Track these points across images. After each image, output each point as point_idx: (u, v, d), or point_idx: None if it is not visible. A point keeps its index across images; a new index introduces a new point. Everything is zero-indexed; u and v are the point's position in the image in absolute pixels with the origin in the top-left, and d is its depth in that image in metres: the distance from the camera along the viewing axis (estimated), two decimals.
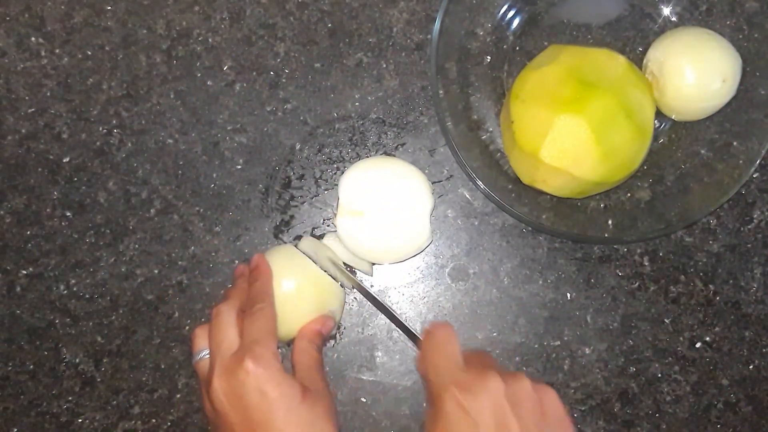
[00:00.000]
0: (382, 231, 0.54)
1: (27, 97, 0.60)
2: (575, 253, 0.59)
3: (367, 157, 0.59)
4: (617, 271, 0.59)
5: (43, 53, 0.60)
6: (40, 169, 0.59)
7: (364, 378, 0.58)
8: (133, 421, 0.58)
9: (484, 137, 0.58)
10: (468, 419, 0.41)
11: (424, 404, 0.55)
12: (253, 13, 0.59)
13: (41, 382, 0.59)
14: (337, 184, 0.58)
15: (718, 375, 0.58)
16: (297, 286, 0.52)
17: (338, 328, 0.59)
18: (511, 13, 0.58)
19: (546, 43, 0.58)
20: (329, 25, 0.59)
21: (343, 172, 0.58)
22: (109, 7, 0.60)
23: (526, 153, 0.51)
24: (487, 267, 0.59)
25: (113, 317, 0.59)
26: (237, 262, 0.58)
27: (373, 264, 0.58)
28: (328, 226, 0.59)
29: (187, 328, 0.59)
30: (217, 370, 0.46)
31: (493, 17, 0.58)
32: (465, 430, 0.41)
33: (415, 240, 0.55)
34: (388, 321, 0.59)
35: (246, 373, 0.45)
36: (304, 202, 0.59)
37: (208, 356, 0.49)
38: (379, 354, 0.59)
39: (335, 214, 0.55)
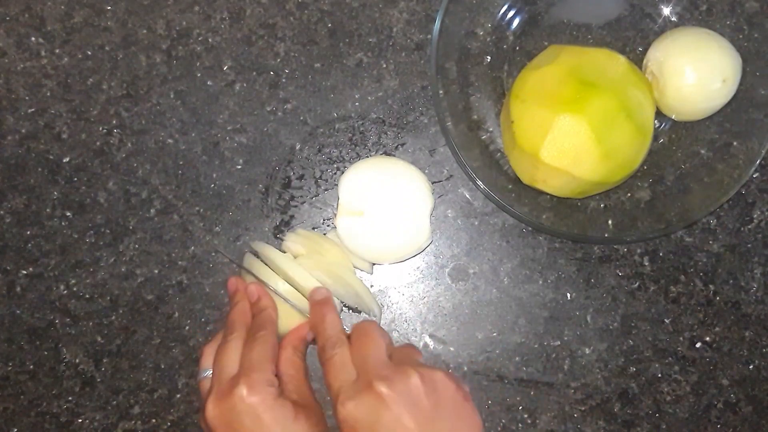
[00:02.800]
0: (382, 231, 0.54)
1: (27, 97, 0.60)
2: (575, 253, 0.59)
3: (367, 157, 0.59)
4: (617, 271, 0.59)
5: (43, 53, 0.60)
6: (40, 169, 0.59)
7: None
8: (133, 421, 0.58)
9: (484, 137, 0.58)
10: (383, 418, 0.43)
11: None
12: (253, 13, 0.59)
13: (41, 382, 0.59)
14: (337, 184, 0.58)
15: (718, 375, 0.58)
16: (288, 287, 0.53)
17: None
18: (511, 13, 0.58)
19: (546, 43, 0.58)
20: (329, 25, 0.59)
21: (343, 172, 0.58)
22: (109, 7, 0.60)
23: (526, 153, 0.51)
24: (487, 267, 0.59)
25: (113, 317, 0.59)
26: (235, 267, 0.58)
27: (373, 264, 0.58)
28: (328, 226, 0.59)
29: (187, 328, 0.59)
30: (212, 393, 0.48)
31: (493, 17, 0.58)
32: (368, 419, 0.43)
33: (415, 240, 0.55)
34: (388, 320, 0.59)
35: (239, 399, 0.46)
36: (304, 202, 0.59)
37: (210, 375, 0.50)
38: None
39: (335, 214, 0.55)
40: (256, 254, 0.55)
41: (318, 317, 0.51)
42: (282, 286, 0.53)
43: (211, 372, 0.50)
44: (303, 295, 0.53)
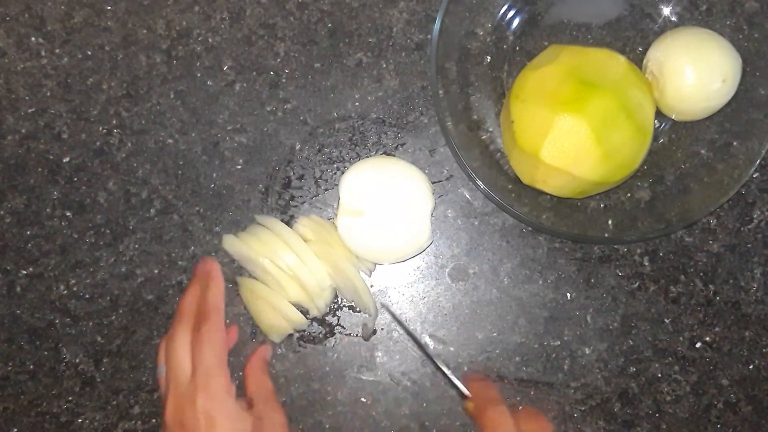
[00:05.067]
0: (383, 231, 0.54)
1: (27, 97, 0.60)
2: (575, 253, 0.59)
3: (368, 157, 0.59)
4: (617, 271, 0.59)
5: (43, 53, 0.60)
6: (40, 169, 0.59)
7: (364, 378, 0.58)
8: (133, 421, 0.58)
9: (484, 137, 0.58)
10: None
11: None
12: (253, 13, 0.59)
13: (41, 382, 0.59)
14: (337, 184, 0.58)
15: (718, 375, 0.58)
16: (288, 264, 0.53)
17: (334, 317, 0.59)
18: (511, 13, 0.58)
19: (546, 43, 0.58)
20: (329, 25, 0.59)
21: (343, 172, 0.58)
22: (109, 7, 0.60)
23: (526, 153, 0.51)
24: (487, 267, 0.59)
25: (113, 317, 0.59)
26: (235, 264, 0.58)
27: (375, 264, 0.58)
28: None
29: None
30: (170, 400, 0.48)
31: (493, 17, 0.58)
32: None
33: (415, 240, 0.55)
34: (388, 321, 0.59)
35: (198, 413, 0.47)
36: (304, 202, 0.59)
37: (164, 370, 0.51)
38: (379, 354, 0.58)
39: (335, 214, 0.55)
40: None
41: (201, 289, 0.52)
42: (272, 265, 0.54)
43: (163, 369, 0.50)
44: (306, 275, 0.54)
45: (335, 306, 0.59)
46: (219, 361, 0.49)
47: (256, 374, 0.54)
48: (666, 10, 0.58)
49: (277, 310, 0.54)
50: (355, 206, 0.54)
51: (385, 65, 0.59)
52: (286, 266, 0.53)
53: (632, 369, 0.58)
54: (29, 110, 0.60)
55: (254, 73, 0.59)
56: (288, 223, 0.59)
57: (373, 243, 0.55)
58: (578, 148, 0.50)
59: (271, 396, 0.53)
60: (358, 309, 0.58)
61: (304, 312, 0.56)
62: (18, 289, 0.59)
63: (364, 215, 0.54)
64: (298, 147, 0.59)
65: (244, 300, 0.56)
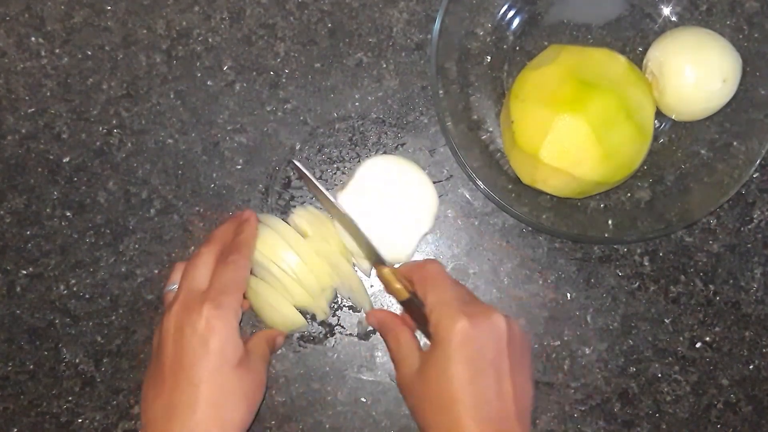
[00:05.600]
0: (373, 225, 0.54)
1: (27, 97, 0.60)
2: (575, 253, 0.59)
3: (368, 157, 0.59)
4: (617, 271, 0.59)
5: (43, 53, 0.60)
6: (40, 169, 0.59)
7: (364, 378, 0.58)
8: (133, 421, 0.58)
9: (484, 137, 0.58)
10: (473, 347, 0.45)
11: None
12: (253, 13, 0.59)
13: (41, 382, 0.59)
14: (337, 184, 0.58)
15: (718, 375, 0.58)
16: (298, 262, 0.53)
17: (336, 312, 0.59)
18: (511, 13, 0.58)
19: (546, 43, 0.58)
20: (329, 25, 0.59)
21: (343, 172, 0.58)
22: (109, 7, 0.60)
23: (526, 153, 0.51)
24: (487, 267, 0.59)
25: (113, 317, 0.59)
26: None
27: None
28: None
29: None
30: (177, 303, 0.48)
31: (493, 17, 0.58)
32: (468, 356, 0.45)
33: (394, 251, 0.55)
34: None
35: (200, 316, 0.46)
36: (304, 202, 0.59)
37: (175, 289, 0.50)
38: (379, 354, 0.58)
39: (342, 189, 0.55)
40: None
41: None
42: (276, 268, 0.54)
43: (176, 285, 0.50)
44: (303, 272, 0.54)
45: (335, 306, 0.59)
46: (235, 286, 0.49)
47: (261, 339, 0.53)
48: (666, 10, 0.58)
49: (279, 312, 0.54)
50: (362, 191, 0.54)
51: (385, 65, 0.59)
52: (289, 268, 0.53)
53: (632, 369, 0.58)
54: (29, 110, 0.60)
55: (254, 73, 0.59)
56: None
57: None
58: (578, 148, 0.50)
59: (264, 359, 0.52)
60: (355, 307, 0.58)
61: (308, 315, 0.56)
62: (18, 289, 0.59)
63: (365, 203, 0.54)
64: (298, 147, 0.59)
65: (248, 297, 0.56)
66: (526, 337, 0.49)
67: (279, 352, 0.58)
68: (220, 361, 0.46)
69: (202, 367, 0.46)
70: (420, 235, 0.55)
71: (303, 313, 0.55)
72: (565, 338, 0.58)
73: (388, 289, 0.53)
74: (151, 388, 0.48)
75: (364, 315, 0.56)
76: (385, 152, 0.59)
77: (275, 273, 0.53)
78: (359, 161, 0.58)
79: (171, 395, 0.46)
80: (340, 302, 0.59)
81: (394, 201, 0.55)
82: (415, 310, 0.51)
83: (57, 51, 0.60)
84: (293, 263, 0.53)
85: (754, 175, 0.58)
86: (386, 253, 0.55)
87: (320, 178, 0.59)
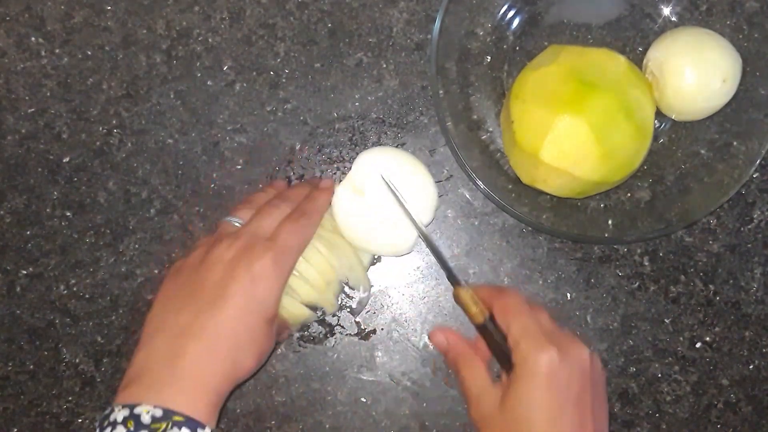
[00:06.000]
0: (372, 219, 0.54)
1: (27, 97, 0.60)
2: (575, 253, 0.59)
3: (363, 151, 0.58)
4: (617, 271, 0.59)
5: (43, 53, 0.60)
6: (40, 169, 0.59)
7: (364, 378, 0.58)
8: None
9: (484, 137, 0.58)
10: (560, 380, 0.45)
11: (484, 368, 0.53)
12: (253, 13, 0.59)
13: (41, 382, 0.59)
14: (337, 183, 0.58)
15: (718, 375, 0.58)
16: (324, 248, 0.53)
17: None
18: (511, 13, 0.58)
19: (546, 43, 0.58)
20: (329, 25, 0.59)
21: (343, 172, 0.58)
22: (109, 7, 0.60)
23: (526, 153, 0.51)
24: (487, 267, 0.59)
25: (113, 317, 0.59)
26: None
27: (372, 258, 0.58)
28: None
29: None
30: (243, 238, 0.48)
31: (493, 17, 0.58)
32: (555, 389, 0.45)
33: (396, 243, 0.55)
34: (387, 320, 0.59)
35: (260, 258, 0.47)
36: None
37: (237, 224, 0.51)
38: (379, 354, 0.59)
39: (338, 183, 0.55)
40: None
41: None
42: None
43: (240, 223, 0.51)
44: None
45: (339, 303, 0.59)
46: (299, 248, 0.50)
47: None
48: (666, 10, 0.58)
49: (287, 311, 0.53)
50: (360, 184, 0.54)
51: (385, 65, 0.59)
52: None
53: (632, 369, 0.58)
54: (29, 110, 0.60)
55: (254, 73, 0.59)
56: None
57: (359, 225, 0.54)
58: (578, 148, 0.50)
59: (278, 337, 0.52)
60: (352, 287, 0.58)
61: (318, 311, 0.57)
62: (18, 289, 0.59)
63: (364, 196, 0.54)
64: (298, 147, 0.59)
65: None
66: (604, 372, 0.49)
67: (278, 351, 0.58)
68: (258, 308, 0.47)
69: (240, 304, 0.46)
70: (420, 224, 0.55)
71: (312, 309, 0.55)
72: None
73: (465, 310, 0.51)
74: (178, 301, 0.48)
75: (430, 332, 0.55)
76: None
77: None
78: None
79: (200, 311, 0.46)
80: (341, 302, 0.59)
81: (389, 195, 0.55)
82: (490, 336, 0.50)
83: (57, 51, 0.60)
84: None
85: (754, 175, 0.58)
86: (388, 247, 0.55)
87: (320, 177, 0.59)
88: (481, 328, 0.50)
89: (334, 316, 0.59)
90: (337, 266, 0.55)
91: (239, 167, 0.59)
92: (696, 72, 0.53)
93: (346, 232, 0.55)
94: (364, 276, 0.56)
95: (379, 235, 0.54)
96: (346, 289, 0.59)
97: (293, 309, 0.53)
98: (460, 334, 0.54)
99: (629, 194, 0.57)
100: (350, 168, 0.55)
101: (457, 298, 0.52)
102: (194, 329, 0.46)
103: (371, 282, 0.58)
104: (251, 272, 0.47)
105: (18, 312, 0.59)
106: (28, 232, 0.59)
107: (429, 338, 0.52)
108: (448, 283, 0.58)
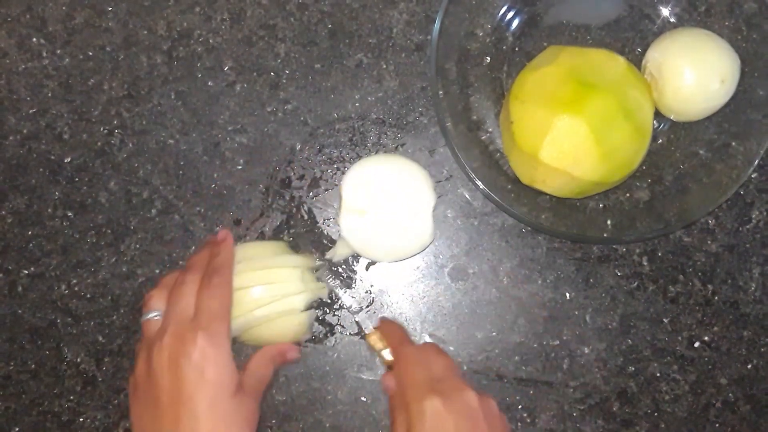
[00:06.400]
0: (386, 229, 0.55)
1: (28, 98, 0.60)
2: (574, 253, 0.59)
3: (343, 174, 0.59)
4: (616, 270, 0.59)
5: (44, 54, 0.60)
6: (41, 170, 0.60)
7: (364, 378, 0.59)
8: None
9: (484, 137, 0.58)
10: (445, 428, 0.44)
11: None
12: (254, 14, 0.60)
13: (43, 382, 0.59)
14: (337, 184, 0.58)
15: (716, 374, 0.59)
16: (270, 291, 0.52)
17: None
18: (510, 14, 0.58)
19: (545, 44, 0.58)
20: (329, 26, 0.60)
21: (343, 173, 0.58)
22: (110, 8, 0.60)
23: (525, 153, 0.52)
24: (486, 267, 0.59)
25: (114, 317, 0.59)
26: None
27: (372, 261, 0.58)
28: (328, 225, 0.59)
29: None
30: (168, 333, 0.47)
31: (493, 18, 0.58)
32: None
33: (418, 237, 0.55)
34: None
35: (194, 346, 0.46)
36: (304, 203, 0.59)
37: (158, 318, 0.49)
38: None
39: (338, 214, 0.56)
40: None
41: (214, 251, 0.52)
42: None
43: (160, 314, 0.49)
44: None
45: (336, 306, 0.59)
46: (224, 310, 0.48)
47: (265, 358, 0.52)
48: (665, 11, 0.58)
49: (287, 331, 0.54)
50: (358, 205, 0.55)
51: (385, 66, 0.59)
52: (261, 299, 0.53)
53: (631, 368, 0.58)
54: (30, 111, 0.60)
55: (255, 73, 0.60)
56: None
57: (377, 241, 0.55)
58: (577, 149, 0.50)
59: (263, 383, 0.51)
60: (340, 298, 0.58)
61: (314, 304, 0.57)
62: (19, 288, 0.59)
63: (366, 213, 0.55)
64: (298, 147, 0.59)
65: (249, 341, 0.55)
66: (502, 416, 0.48)
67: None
68: (219, 390, 0.46)
69: (201, 399, 0.45)
70: (430, 211, 0.55)
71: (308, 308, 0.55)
72: (564, 338, 0.59)
73: (374, 352, 0.54)
74: (148, 421, 0.47)
75: (383, 378, 0.53)
76: (385, 152, 0.59)
77: (258, 314, 0.52)
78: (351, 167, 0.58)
79: (172, 429, 0.45)
80: (340, 303, 0.59)
81: (389, 196, 0.55)
82: None
83: (58, 52, 0.60)
84: (259, 294, 0.52)
85: (753, 176, 0.58)
86: (413, 247, 0.55)
87: (321, 178, 0.59)
88: (388, 368, 0.52)
89: (333, 315, 0.59)
90: (290, 266, 0.54)
91: (240, 167, 0.59)
92: (695, 73, 0.53)
93: (370, 254, 0.56)
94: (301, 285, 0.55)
95: (399, 240, 0.55)
96: (347, 289, 0.59)
97: (290, 328, 0.53)
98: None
99: (628, 194, 0.58)
100: (348, 169, 0.55)
101: (366, 340, 0.55)
102: None
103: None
104: (193, 363, 0.46)
105: (19, 311, 0.59)
106: (30, 232, 0.59)
107: (382, 381, 0.52)
108: (448, 282, 0.59)
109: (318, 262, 0.58)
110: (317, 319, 0.59)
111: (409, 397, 0.46)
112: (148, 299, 0.50)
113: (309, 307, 0.54)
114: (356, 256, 0.59)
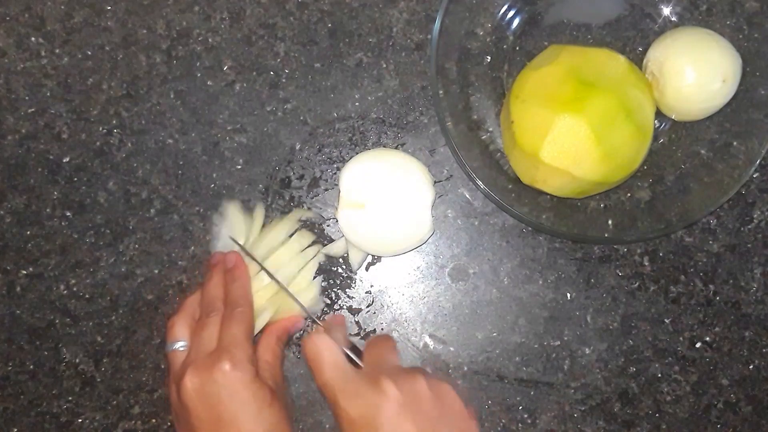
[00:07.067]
0: (384, 223, 0.55)
1: (27, 97, 0.60)
2: (575, 253, 0.59)
3: (339, 170, 0.58)
4: (617, 271, 0.59)
5: (43, 53, 0.60)
6: (40, 169, 0.59)
7: None
8: (133, 421, 0.58)
9: (484, 137, 0.58)
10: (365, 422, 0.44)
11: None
12: (253, 13, 0.59)
13: (41, 382, 0.59)
14: (337, 184, 0.58)
15: (718, 375, 0.58)
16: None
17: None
18: (511, 13, 0.58)
19: (546, 43, 0.58)
20: (329, 25, 0.59)
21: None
22: (109, 7, 0.60)
23: (526, 153, 0.51)
24: (487, 267, 0.59)
25: (113, 317, 0.59)
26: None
27: (369, 255, 0.59)
28: (328, 225, 0.59)
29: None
30: (193, 366, 0.48)
31: (493, 17, 0.58)
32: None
33: (416, 232, 0.55)
34: (388, 320, 0.59)
35: (221, 374, 0.47)
36: (304, 202, 0.59)
37: (183, 348, 0.51)
38: None
39: (336, 208, 0.56)
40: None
41: (226, 280, 0.53)
42: (281, 273, 0.55)
43: (185, 345, 0.51)
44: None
45: (336, 306, 0.59)
46: (245, 336, 0.50)
47: (271, 339, 0.54)
48: (666, 10, 0.58)
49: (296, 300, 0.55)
50: (356, 199, 0.54)
51: (385, 65, 0.59)
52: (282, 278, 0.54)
53: (632, 369, 0.58)
54: (29, 110, 0.60)
55: (254, 73, 0.59)
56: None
57: (375, 235, 0.55)
58: (578, 148, 0.50)
59: (278, 365, 0.53)
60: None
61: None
62: (18, 289, 0.59)
63: (365, 207, 0.54)
64: (298, 147, 0.59)
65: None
66: (456, 398, 0.46)
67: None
68: (257, 405, 0.47)
69: (245, 418, 0.47)
70: (429, 206, 0.55)
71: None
72: (565, 338, 0.58)
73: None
74: None
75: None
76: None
77: (272, 310, 0.54)
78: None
79: None
80: (340, 304, 0.59)
81: (388, 190, 0.55)
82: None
83: (57, 51, 0.60)
84: (269, 294, 0.55)
85: (754, 175, 0.58)
86: (411, 240, 0.55)
87: (320, 178, 0.59)
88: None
89: (333, 316, 0.59)
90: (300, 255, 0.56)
91: (239, 167, 0.59)
92: (696, 72, 0.53)
93: (368, 248, 0.56)
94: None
95: (397, 234, 0.55)
96: (346, 290, 0.59)
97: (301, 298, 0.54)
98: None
99: (629, 194, 0.57)
100: (346, 163, 0.55)
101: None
102: None
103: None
104: (222, 389, 0.47)
105: (18, 312, 0.59)
106: (28, 232, 0.59)
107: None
108: (448, 282, 0.59)
109: (307, 212, 0.58)
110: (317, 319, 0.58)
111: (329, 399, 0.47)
112: (171, 327, 0.52)
113: (314, 278, 0.56)
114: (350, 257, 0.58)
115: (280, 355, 0.54)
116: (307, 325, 0.58)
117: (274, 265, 0.55)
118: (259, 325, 0.54)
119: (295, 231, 0.58)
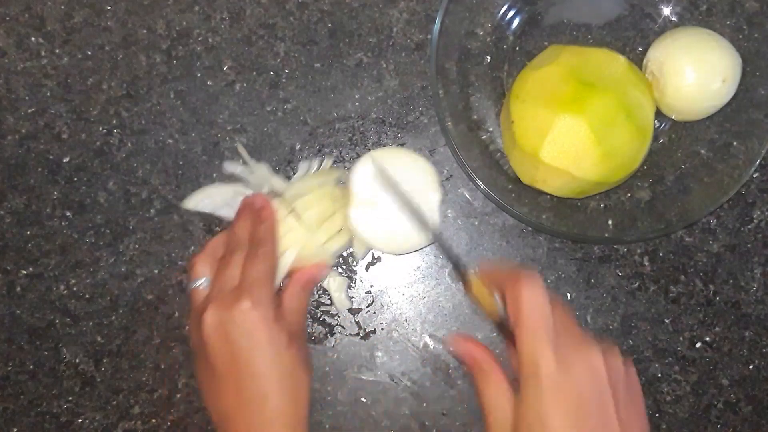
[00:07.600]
0: (395, 221, 0.55)
1: (27, 97, 0.60)
2: (575, 253, 0.59)
3: (349, 169, 0.58)
4: (617, 271, 0.59)
5: (43, 53, 0.60)
6: (40, 169, 0.59)
7: (364, 378, 0.58)
8: (133, 421, 0.58)
9: (484, 137, 0.58)
10: (569, 393, 0.39)
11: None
12: (253, 13, 0.59)
13: (41, 382, 0.59)
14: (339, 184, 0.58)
15: (718, 375, 0.58)
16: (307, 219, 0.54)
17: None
18: (511, 13, 0.58)
19: (546, 43, 0.58)
20: (329, 25, 0.59)
21: (347, 169, 0.58)
22: (109, 7, 0.60)
23: (526, 153, 0.51)
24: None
25: (113, 317, 0.59)
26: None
27: (371, 250, 0.58)
28: None
29: (187, 328, 0.59)
30: (214, 303, 0.48)
31: (493, 17, 0.58)
32: (565, 404, 0.39)
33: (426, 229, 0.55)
34: (388, 320, 0.59)
35: (241, 312, 0.47)
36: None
37: (205, 286, 0.51)
38: (379, 354, 0.59)
39: (348, 207, 0.55)
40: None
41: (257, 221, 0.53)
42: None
43: (207, 282, 0.51)
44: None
45: (335, 309, 0.59)
46: (268, 276, 0.49)
47: (297, 287, 0.53)
48: (666, 10, 0.58)
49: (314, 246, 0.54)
50: (368, 197, 0.55)
51: (385, 65, 0.59)
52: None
53: None
54: (29, 110, 0.60)
55: (254, 73, 0.59)
56: None
57: (386, 233, 0.55)
58: (578, 148, 0.50)
59: (302, 313, 0.53)
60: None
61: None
62: (18, 289, 0.59)
63: (377, 206, 0.55)
64: (298, 147, 0.59)
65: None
66: (630, 369, 0.43)
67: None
68: (274, 348, 0.47)
69: (260, 360, 0.47)
70: (437, 205, 0.55)
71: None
72: None
73: (480, 307, 0.46)
74: (213, 389, 0.49)
75: (447, 338, 0.50)
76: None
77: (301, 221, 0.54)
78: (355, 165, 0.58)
79: (238, 392, 0.47)
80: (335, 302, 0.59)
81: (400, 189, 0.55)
82: (507, 332, 0.43)
83: (57, 51, 0.60)
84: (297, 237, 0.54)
85: (754, 175, 0.58)
86: (421, 238, 0.55)
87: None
88: (500, 327, 0.45)
89: (333, 316, 0.59)
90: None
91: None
92: (696, 72, 0.53)
93: (378, 246, 0.56)
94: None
95: (408, 232, 0.55)
96: (347, 292, 0.59)
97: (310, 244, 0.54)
98: (478, 341, 0.46)
99: (629, 194, 0.57)
100: (348, 168, 0.55)
101: (468, 292, 0.46)
102: (246, 407, 0.47)
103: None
104: (240, 329, 0.47)
105: (18, 312, 0.59)
106: (28, 232, 0.59)
107: (449, 346, 0.48)
108: (448, 282, 0.59)
109: (339, 172, 0.58)
110: (318, 319, 0.58)
111: (524, 356, 0.41)
112: (194, 264, 0.52)
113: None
114: (352, 255, 0.58)
115: (306, 303, 0.54)
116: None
117: (303, 208, 0.54)
118: (284, 265, 0.53)
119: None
